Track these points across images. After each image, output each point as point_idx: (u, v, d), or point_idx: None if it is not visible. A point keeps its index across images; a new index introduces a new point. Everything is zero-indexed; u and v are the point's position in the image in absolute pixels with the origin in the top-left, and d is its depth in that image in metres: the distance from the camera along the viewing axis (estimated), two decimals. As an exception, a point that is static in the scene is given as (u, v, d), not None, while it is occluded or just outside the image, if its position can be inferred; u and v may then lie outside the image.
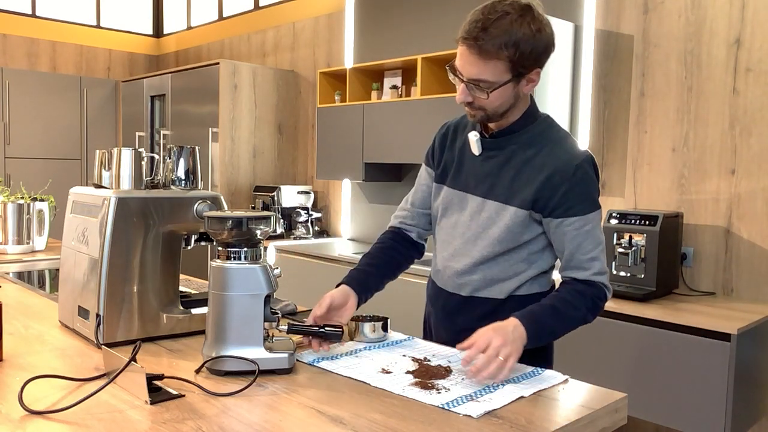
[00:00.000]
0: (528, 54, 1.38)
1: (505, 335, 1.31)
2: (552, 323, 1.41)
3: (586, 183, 1.47)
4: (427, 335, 1.75)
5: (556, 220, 1.47)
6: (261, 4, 5.55)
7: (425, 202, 1.71)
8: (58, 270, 2.02)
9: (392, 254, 1.68)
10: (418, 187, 1.73)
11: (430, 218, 1.72)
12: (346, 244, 4.42)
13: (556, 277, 1.57)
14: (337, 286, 1.56)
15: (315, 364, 1.40)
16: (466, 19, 1.41)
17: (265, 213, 1.38)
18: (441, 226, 1.65)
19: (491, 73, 1.40)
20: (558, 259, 1.56)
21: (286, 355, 1.34)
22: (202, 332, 1.47)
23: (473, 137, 1.56)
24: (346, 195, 4.72)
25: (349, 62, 4.62)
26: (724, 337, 2.31)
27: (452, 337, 1.60)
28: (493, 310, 1.57)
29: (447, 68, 1.49)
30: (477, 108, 1.47)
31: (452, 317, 1.63)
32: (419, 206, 1.72)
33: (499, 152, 1.54)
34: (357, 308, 1.56)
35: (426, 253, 1.77)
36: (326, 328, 1.43)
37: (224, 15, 5.99)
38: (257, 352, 1.32)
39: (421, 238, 1.75)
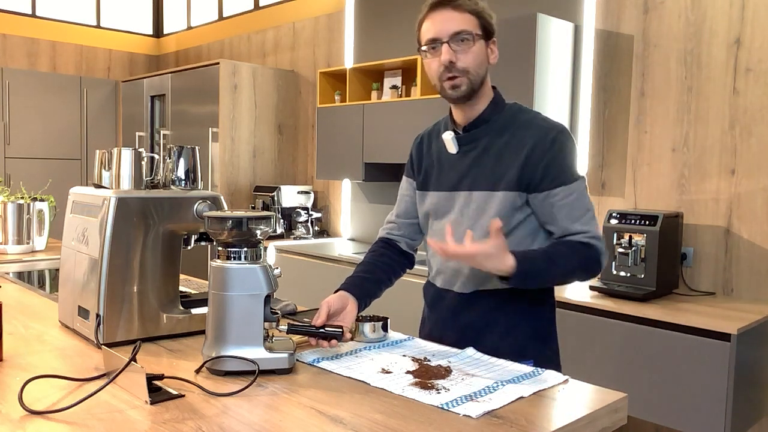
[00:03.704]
0: (489, 20, 1.54)
1: (486, 252, 1.35)
2: (543, 267, 1.44)
3: (564, 153, 1.51)
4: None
5: (542, 194, 1.50)
6: (261, 4, 5.55)
7: (410, 212, 1.75)
8: (58, 270, 2.02)
9: (386, 261, 1.71)
10: (401, 198, 1.78)
11: (416, 227, 1.75)
12: (346, 244, 4.42)
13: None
14: (335, 293, 1.56)
15: (315, 364, 1.40)
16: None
17: (265, 213, 1.38)
18: (433, 229, 1.66)
19: (469, 24, 1.51)
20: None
21: (286, 355, 1.34)
22: (202, 332, 1.47)
23: (448, 136, 1.61)
24: (346, 195, 4.72)
25: (349, 62, 4.62)
26: (724, 337, 2.31)
27: (459, 336, 1.60)
28: (496, 305, 1.57)
29: (423, 49, 1.55)
30: (461, 71, 1.51)
31: (457, 316, 1.63)
32: (404, 216, 1.76)
33: (475, 144, 1.58)
34: (357, 313, 1.56)
35: (421, 253, 1.77)
36: (326, 328, 1.43)
37: (224, 15, 6.00)
38: (257, 352, 1.32)
39: (410, 248, 1.77)
